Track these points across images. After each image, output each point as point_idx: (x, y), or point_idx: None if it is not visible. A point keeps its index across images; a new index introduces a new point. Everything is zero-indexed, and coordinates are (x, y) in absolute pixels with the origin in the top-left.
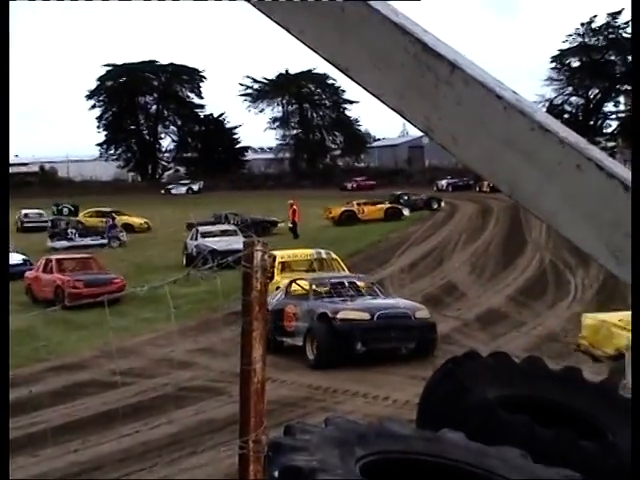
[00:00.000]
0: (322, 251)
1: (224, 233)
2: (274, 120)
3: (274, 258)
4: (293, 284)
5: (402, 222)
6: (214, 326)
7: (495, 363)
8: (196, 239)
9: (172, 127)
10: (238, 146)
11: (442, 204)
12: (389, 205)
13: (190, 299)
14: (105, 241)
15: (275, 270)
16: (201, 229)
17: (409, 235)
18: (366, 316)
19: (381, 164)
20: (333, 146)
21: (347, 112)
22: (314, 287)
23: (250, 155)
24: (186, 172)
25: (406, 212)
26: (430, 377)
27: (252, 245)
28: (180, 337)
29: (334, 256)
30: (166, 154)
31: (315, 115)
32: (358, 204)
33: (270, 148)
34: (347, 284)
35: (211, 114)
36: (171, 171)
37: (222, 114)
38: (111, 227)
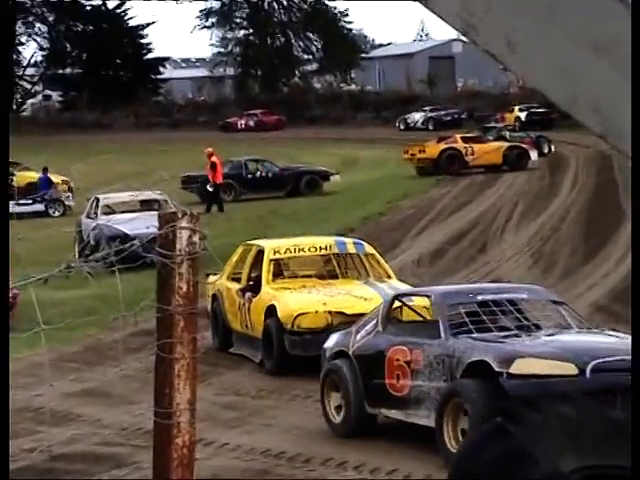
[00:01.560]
0: (348, 241)
1: (145, 206)
2: (207, 13)
3: (260, 252)
4: (396, 302)
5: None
6: (109, 354)
7: (573, 415)
8: (95, 216)
9: (39, 26)
10: (149, 57)
11: (553, 148)
12: (511, 144)
13: (70, 309)
14: (41, 207)
15: (264, 275)
16: (104, 199)
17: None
18: (570, 369)
19: (385, 87)
20: (305, 57)
21: (328, 1)
22: (445, 310)
23: (169, 72)
24: (62, 99)
25: (534, 156)
26: (467, 438)
27: (173, 219)
28: (54, 372)
29: (369, 250)
30: (30, 70)
31: (276, 5)
32: (464, 139)
33: (201, 60)
34: (506, 303)
35: (103, 4)
36: (38, 97)
37: (122, 4)
38: (45, 183)
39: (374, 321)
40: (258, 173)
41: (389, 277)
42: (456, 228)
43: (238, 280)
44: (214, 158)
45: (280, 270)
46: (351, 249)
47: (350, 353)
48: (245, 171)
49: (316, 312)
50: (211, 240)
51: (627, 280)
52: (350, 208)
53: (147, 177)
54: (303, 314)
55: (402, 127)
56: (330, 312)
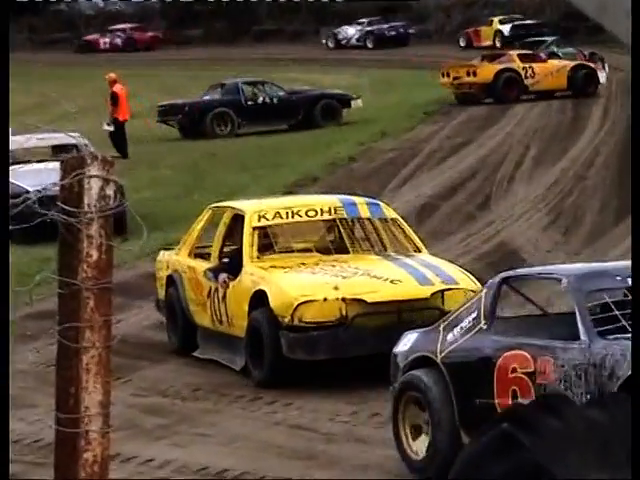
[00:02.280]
0: (359, 201)
1: (58, 153)
2: None
3: (238, 218)
4: (504, 287)
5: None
6: None
7: (603, 420)
8: None
9: None
10: None
11: (607, 67)
12: (577, 63)
13: None
14: None
15: (245, 249)
16: None
17: None
18: None
19: None
20: None
21: None
22: (584, 299)
23: None
24: None
25: (602, 78)
26: (467, 447)
27: (80, 166)
28: None
29: (389, 212)
30: None
31: None
32: (522, 58)
33: None
34: None
35: None
36: None
37: None
38: None
39: (473, 315)
40: (260, 99)
41: (417, 250)
42: (450, 177)
43: (205, 257)
44: (117, 87)
45: (268, 242)
46: (364, 212)
47: (438, 360)
48: (243, 97)
49: (325, 300)
50: (130, 193)
51: None
52: (312, 150)
53: (47, 110)
54: (307, 303)
55: (331, 45)
56: (344, 300)
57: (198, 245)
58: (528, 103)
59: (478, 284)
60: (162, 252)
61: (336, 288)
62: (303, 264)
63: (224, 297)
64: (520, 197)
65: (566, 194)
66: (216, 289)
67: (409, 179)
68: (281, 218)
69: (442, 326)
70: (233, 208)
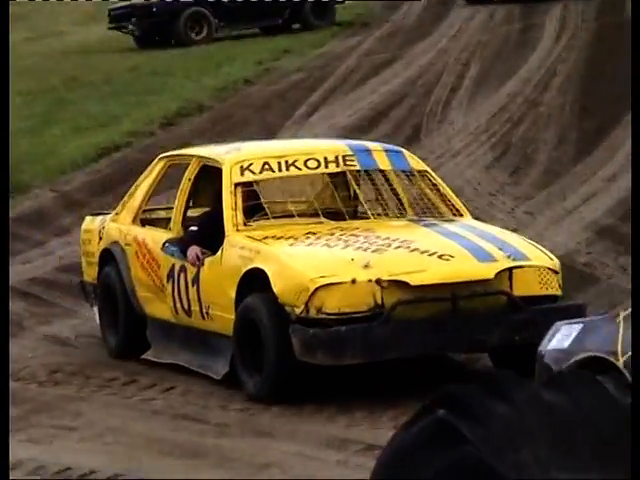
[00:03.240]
0: (374, 147)
1: None
2: None
3: (209, 170)
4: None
5: None
6: None
7: (562, 403)
8: None
9: None
10: None
11: None
12: None
13: None
14: None
15: (227, 213)
16: None
17: None
18: None
19: None
20: None
21: None
22: None
23: None
24: None
25: None
26: (393, 439)
27: None
28: None
29: (415, 163)
30: None
31: None
32: None
33: None
34: None
35: None
36: None
37: None
38: None
39: None
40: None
41: (458, 213)
42: (370, 104)
43: (158, 224)
44: None
45: (256, 204)
46: (383, 162)
47: (619, 364)
48: None
49: (353, 282)
50: None
51: None
52: (197, 71)
53: None
54: (328, 286)
55: None
56: (379, 282)
57: (146, 208)
58: (467, 9)
59: (556, 260)
60: (90, 218)
61: (367, 266)
62: (312, 233)
63: (196, 279)
64: (458, 128)
65: (514, 124)
66: (182, 268)
67: (319, 107)
68: (272, 171)
69: (622, 315)
70: (202, 157)
